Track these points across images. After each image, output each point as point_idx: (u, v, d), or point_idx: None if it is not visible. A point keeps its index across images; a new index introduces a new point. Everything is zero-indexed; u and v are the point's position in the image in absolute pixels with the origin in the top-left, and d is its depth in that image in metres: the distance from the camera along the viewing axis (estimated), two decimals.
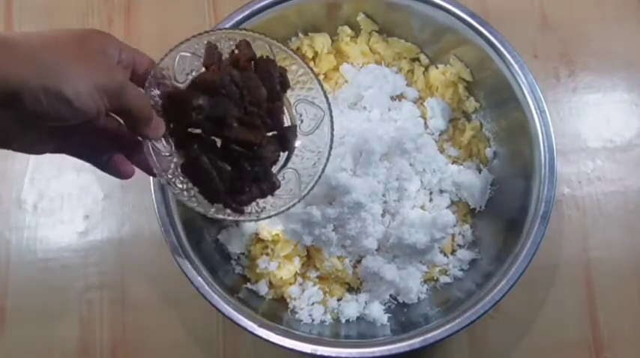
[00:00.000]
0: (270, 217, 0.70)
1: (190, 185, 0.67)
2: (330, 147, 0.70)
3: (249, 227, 0.87)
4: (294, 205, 0.70)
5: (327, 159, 0.70)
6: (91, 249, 0.93)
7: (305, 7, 0.86)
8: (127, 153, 0.66)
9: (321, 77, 0.92)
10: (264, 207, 0.70)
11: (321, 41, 0.91)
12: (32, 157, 0.96)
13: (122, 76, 0.57)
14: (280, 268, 0.85)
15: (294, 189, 0.71)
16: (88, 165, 0.95)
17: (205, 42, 0.66)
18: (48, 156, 0.95)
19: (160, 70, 0.64)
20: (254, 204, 0.69)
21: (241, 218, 0.69)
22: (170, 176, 0.66)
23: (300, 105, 0.71)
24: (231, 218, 0.69)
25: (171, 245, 0.77)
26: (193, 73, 0.66)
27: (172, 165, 0.66)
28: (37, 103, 0.51)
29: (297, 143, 0.71)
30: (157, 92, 0.64)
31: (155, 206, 0.79)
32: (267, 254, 0.87)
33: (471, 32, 0.83)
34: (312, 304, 0.86)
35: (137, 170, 0.66)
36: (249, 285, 0.86)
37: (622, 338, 0.88)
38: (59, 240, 0.94)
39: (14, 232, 0.94)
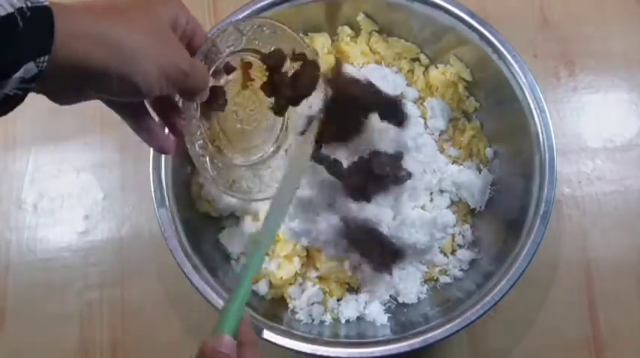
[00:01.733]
0: (258, 200, 0.78)
1: (207, 156, 0.72)
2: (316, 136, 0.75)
3: (249, 227, 0.87)
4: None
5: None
6: (91, 249, 0.93)
7: (305, 7, 0.86)
8: (163, 114, 0.67)
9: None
10: (253, 189, 0.75)
11: (321, 41, 0.91)
12: (32, 157, 0.96)
13: (189, 64, 0.58)
14: (280, 268, 0.85)
15: (279, 179, 0.76)
16: (88, 165, 0.96)
17: (252, 25, 0.70)
18: (48, 156, 0.96)
19: (211, 45, 0.66)
20: (245, 185, 0.75)
21: (237, 195, 0.76)
22: (198, 141, 0.71)
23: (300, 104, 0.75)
24: (230, 195, 0.76)
25: (171, 245, 0.77)
26: (232, 48, 0.70)
27: (198, 131, 0.71)
28: (107, 86, 0.53)
29: (291, 137, 0.76)
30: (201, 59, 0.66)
31: (155, 206, 0.79)
32: (267, 254, 0.87)
33: (471, 32, 0.83)
34: (312, 304, 0.86)
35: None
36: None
37: (622, 337, 0.88)
38: (59, 240, 0.94)
39: (14, 232, 0.94)
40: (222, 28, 0.69)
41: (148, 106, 0.64)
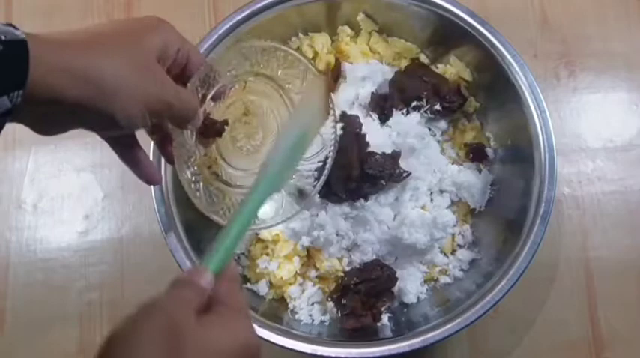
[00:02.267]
0: (269, 227, 0.73)
1: (199, 183, 0.70)
2: (330, 165, 0.72)
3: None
4: (293, 216, 0.72)
5: (326, 176, 0.72)
6: (91, 249, 0.93)
7: (305, 7, 0.86)
8: (158, 141, 0.67)
9: None
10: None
11: (321, 41, 0.91)
12: (32, 157, 0.96)
13: (172, 95, 0.57)
14: (280, 268, 0.85)
15: (279, 209, 0.73)
16: (88, 165, 0.96)
17: (256, 49, 0.68)
18: (48, 156, 0.96)
19: (209, 70, 0.65)
20: None
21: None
22: (189, 168, 0.69)
23: None
24: (224, 222, 0.70)
25: (171, 245, 0.77)
26: (233, 72, 0.69)
27: (192, 158, 0.69)
28: (87, 121, 0.54)
29: None
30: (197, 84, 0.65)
31: (155, 206, 0.79)
32: (267, 254, 0.87)
33: (471, 32, 0.83)
34: (312, 304, 0.86)
35: (135, 176, 0.66)
36: (249, 285, 0.86)
37: (622, 337, 0.88)
38: (59, 240, 0.94)
39: (14, 232, 0.94)
40: (223, 51, 0.68)
41: (141, 132, 0.63)
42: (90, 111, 0.51)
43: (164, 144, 0.67)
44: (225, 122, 0.69)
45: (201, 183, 0.70)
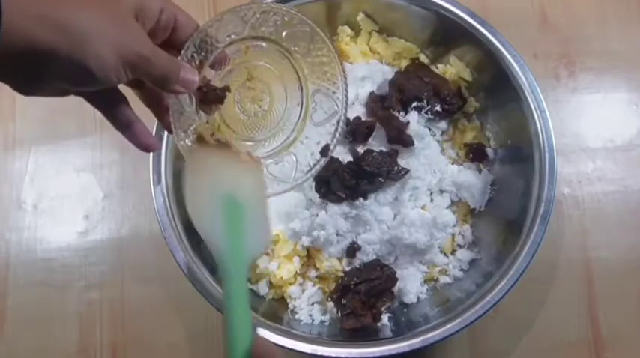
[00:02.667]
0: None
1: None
2: (334, 146, 0.71)
3: None
4: (285, 191, 0.71)
5: (329, 156, 0.71)
6: (91, 249, 0.93)
7: (305, 7, 0.86)
8: (155, 110, 0.65)
9: None
10: None
11: None
12: (32, 157, 0.96)
13: (149, 50, 0.56)
14: (280, 268, 0.85)
15: (289, 174, 0.72)
16: (88, 165, 0.96)
17: (255, 11, 0.67)
18: (48, 156, 0.96)
19: (204, 35, 0.64)
20: None
21: None
22: (188, 136, 0.67)
23: (317, 95, 0.71)
24: None
25: (171, 245, 0.77)
26: (232, 36, 0.67)
27: (192, 126, 0.67)
28: (61, 72, 0.52)
29: (305, 131, 0.72)
30: (192, 50, 0.64)
31: (155, 206, 0.79)
32: (267, 254, 0.87)
33: (471, 32, 0.83)
34: (312, 304, 0.86)
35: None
36: (249, 285, 0.86)
37: (622, 337, 0.88)
38: (59, 240, 0.94)
39: (14, 232, 0.94)
40: (218, 16, 0.66)
41: (134, 103, 0.63)
42: (63, 61, 0.50)
43: (162, 114, 0.66)
44: (227, 88, 0.67)
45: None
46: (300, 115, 0.71)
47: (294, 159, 0.72)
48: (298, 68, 0.69)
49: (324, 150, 0.71)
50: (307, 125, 0.71)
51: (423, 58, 0.93)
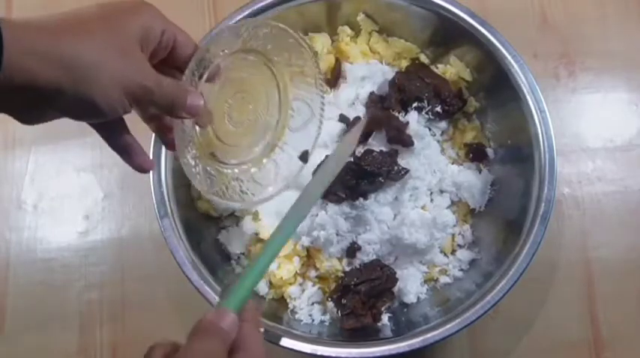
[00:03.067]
0: (256, 203, 0.77)
1: (199, 165, 0.71)
2: (312, 150, 0.73)
3: (249, 227, 0.87)
4: (267, 199, 0.73)
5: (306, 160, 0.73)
6: (91, 249, 0.93)
7: (305, 7, 0.86)
8: (157, 129, 0.67)
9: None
10: (247, 192, 0.73)
11: (321, 41, 0.91)
12: (32, 157, 0.96)
13: (154, 81, 0.56)
14: (280, 268, 0.85)
15: (272, 179, 0.74)
16: (88, 165, 0.96)
17: (247, 26, 0.68)
18: (48, 156, 0.96)
19: (205, 52, 0.66)
20: (238, 189, 0.73)
21: (232, 203, 0.74)
22: (189, 152, 0.69)
23: (296, 103, 0.72)
24: (224, 203, 0.74)
25: (171, 245, 0.77)
26: (226, 51, 0.69)
27: (191, 141, 0.69)
28: (65, 106, 0.52)
29: (283, 138, 0.74)
30: (199, 74, 0.66)
31: (155, 206, 0.79)
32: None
33: (471, 32, 0.83)
34: (312, 304, 0.86)
35: (135, 172, 0.66)
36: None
37: (622, 337, 0.88)
38: (59, 240, 0.94)
39: (14, 232, 0.94)
40: (215, 34, 0.68)
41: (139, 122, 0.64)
42: (68, 96, 0.51)
43: (163, 132, 0.67)
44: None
45: (200, 166, 0.71)
46: (278, 122, 0.73)
47: (275, 164, 0.74)
48: (279, 77, 0.71)
49: (304, 156, 0.73)
50: (286, 132, 0.73)
51: (423, 58, 0.92)
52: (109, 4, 0.56)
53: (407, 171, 0.83)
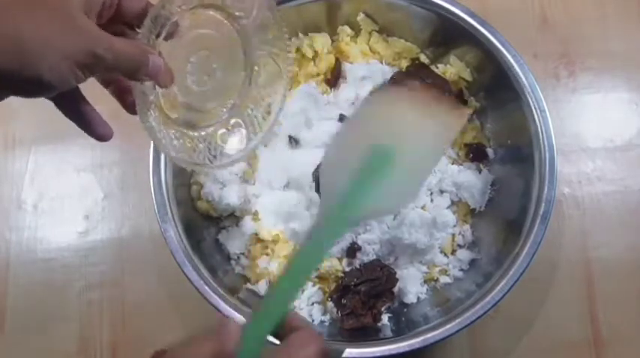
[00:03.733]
0: (219, 167, 0.72)
1: (162, 130, 0.68)
2: (280, 111, 0.69)
3: (249, 227, 0.87)
4: (238, 160, 0.70)
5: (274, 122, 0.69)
6: (91, 249, 0.93)
7: (305, 7, 0.86)
8: (116, 93, 0.65)
9: (321, 77, 0.93)
10: (215, 154, 0.69)
11: (321, 41, 0.91)
12: (32, 157, 0.96)
13: (105, 46, 0.54)
14: (280, 268, 0.85)
15: (242, 142, 0.70)
16: (88, 165, 0.96)
17: None
18: (48, 156, 0.96)
19: (160, 9, 0.64)
20: (206, 152, 0.69)
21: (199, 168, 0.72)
22: (152, 115, 0.67)
23: (262, 59, 0.68)
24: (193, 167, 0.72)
25: (171, 245, 0.77)
26: (183, 7, 0.66)
27: (153, 104, 0.67)
28: (19, 88, 0.52)
29: (250, 96, 0.69)
30: (156, 32, 0.64)
31: (155, 206, 0.79)
32: (267, 254, 0.87)
33: (471, 32, 0.83)
34: (312, 304, 0.86)
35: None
36: (249, 285, 0.86)
37: (622, 337, 0.88)
38: (59, 240, 0.94)
39: (14, 232, 0.94)
40: None
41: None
42: (16, 78, 0.50)
43: (122, 95, 0.65)
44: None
45: (164, 130, 0.68)
46: (244, 80, 0.68)
47: (244, 124, 0.69)
48: (242, 33, 0.67)
49: (271, 112, 0.69)
50: (252, 89, 0.68)
51: (423, 58, 0.92)
52: None
53: None
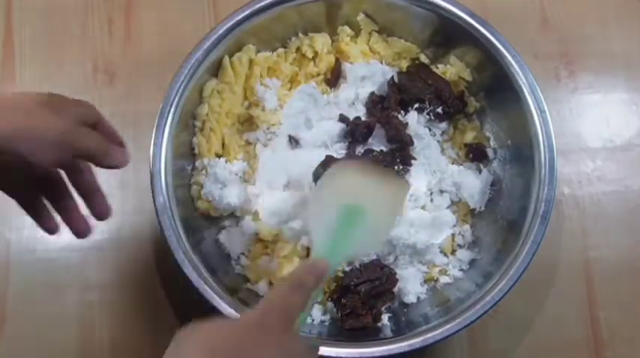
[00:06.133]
0: None
1: None
2: None
3: (250, 227, 0.87)
4: None
5: None
6: (91, 249, 0.92)
7: (305, 7, 0.86)
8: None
9: (321, 77, 0.93)
10: None
11: (321, 41, 0.91)
12: None
13: (74, 134, 0.60)
14: (280, 268, 0.85)
15: None
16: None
17: None
18: None
19: None
20: None
21: None
22: None
23: None
24: None
25: (171, 245, 0.77)
26: None
27: None
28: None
29: None
30: None
31: (155, 206, 0.79)
32: (267, 254, 0.86)
33: (471, 32, 0.83)
34: (312, 304, 0.86)
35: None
36: (249, 285, 0.86)
37: (622, 337, 0.88)
38: (59, 240, 0.93)
39: (14, 232, 0.94)
40: None
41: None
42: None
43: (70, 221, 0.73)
44: None
45: None
46: None
47: None
48: None
49: None
50: None
51: (423, 58, 0.92)
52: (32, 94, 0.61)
53: (407, 170, 0.83)
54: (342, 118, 0.88)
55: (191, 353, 0.51)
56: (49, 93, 0.62)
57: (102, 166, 0.66)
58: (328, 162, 0.82)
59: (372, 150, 0.83)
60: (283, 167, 0.87)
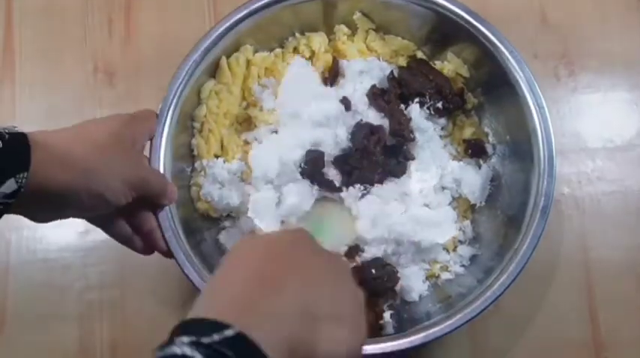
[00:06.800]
0: None
1: None
2: None
3: (249, 227, 0.87)
4: None
5: None
6: (91, 249, 0.93)
7: (301, 6, 0.86)
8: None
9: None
10: None
11: (318, 40, 0.91)
12: None
13: (145, 171, 0.72)
14: None
15: None
16: None
17: None
18: None
19: None
20: None
21: None
22: None
23: None
24: None
25: (171, 245, 0.77)
26: None
27: None
28: (79, 203, 0.63)
29: None
30: None
31: None
32: None
33: (468, 28, 0.83)
34: None
35: None
36: None
37: (621, 337, 0.88)
38: (59, 240, 0.94)
39: (14, 232, 0.94)
40: None
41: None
42: (80, 194, 0.62)
43: (148, 238, 0.78)
44: None
45: None
46: None
47: None
48: None
49: None
50: None
51: (420, 55, 0.92)
52: (103, 123, 0.69)
53: (406, 166, 0.83)
54: (344, 100, 0.88)
55: (251, 257, 0.51)
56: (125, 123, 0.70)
57: (156, 204, 0.75)
58: (313, 158, 0.84)
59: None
60: (273, 156, 0.87)
